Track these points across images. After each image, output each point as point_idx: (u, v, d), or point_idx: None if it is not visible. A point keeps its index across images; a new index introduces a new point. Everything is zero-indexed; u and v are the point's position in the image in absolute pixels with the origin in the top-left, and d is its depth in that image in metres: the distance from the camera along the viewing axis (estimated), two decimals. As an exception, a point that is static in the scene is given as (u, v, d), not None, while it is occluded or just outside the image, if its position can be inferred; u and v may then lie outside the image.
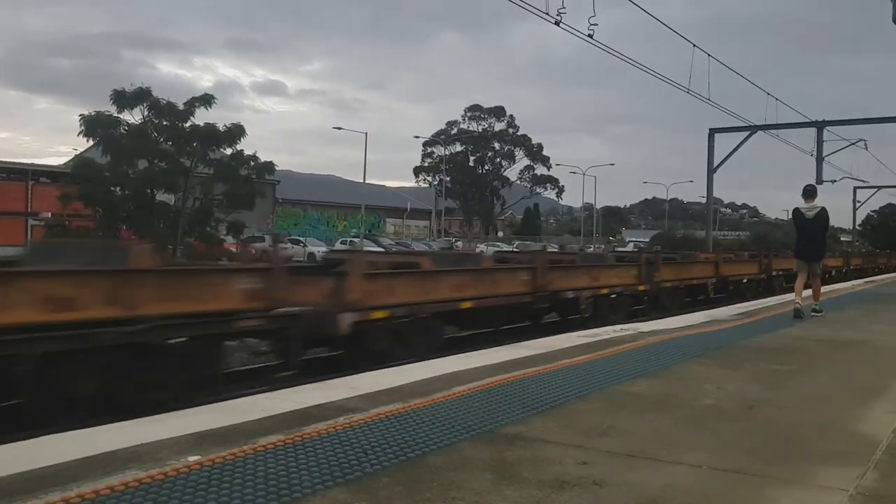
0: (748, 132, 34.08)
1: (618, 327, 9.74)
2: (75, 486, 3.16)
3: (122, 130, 20.83)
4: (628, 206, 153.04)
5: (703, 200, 42.14)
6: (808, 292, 12.16)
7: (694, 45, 23.07)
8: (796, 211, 11.98)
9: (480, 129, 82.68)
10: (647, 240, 45.63)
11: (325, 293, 8.70)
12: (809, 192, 11.81)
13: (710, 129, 34.68)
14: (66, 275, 6.38)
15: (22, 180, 34.54)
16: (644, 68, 21.49)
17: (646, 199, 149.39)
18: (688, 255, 20.85)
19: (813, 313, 11.64)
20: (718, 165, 34.68)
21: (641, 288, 15.63)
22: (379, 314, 9.10)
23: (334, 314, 8.50)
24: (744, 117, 31.45)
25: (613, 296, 14.59)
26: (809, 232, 11.80)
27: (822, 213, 11.72)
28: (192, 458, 3.59)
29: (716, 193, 37.29)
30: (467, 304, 10.57)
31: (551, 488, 3.33)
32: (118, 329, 6.46)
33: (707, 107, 31.39)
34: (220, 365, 7.90)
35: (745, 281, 21.53)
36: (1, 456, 3.64)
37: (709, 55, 24.04)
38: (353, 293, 8.73)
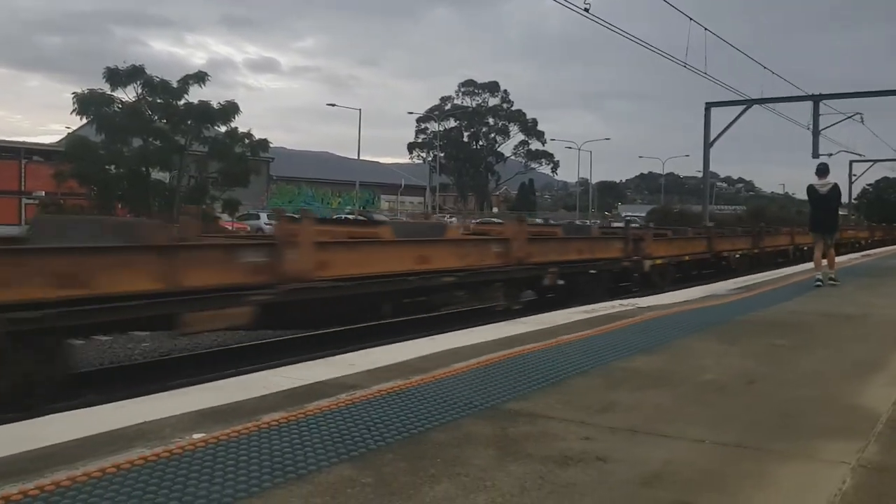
0: (745, 106, 34.02)
1: (616, 303, 9.77)
2: (81, 464, 3.16)
3: (116, 108, 20.70)
4: (624, 181, 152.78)
5: (700, 175, 42.17)
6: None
7: (690, 19, 22.96)
8: (811, 187, 12.72)
9: (474, 104, 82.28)
10: (643, 214, 45.60)
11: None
12: (822, 170, 12.65)
13: (706, 104, 34.60)
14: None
15: (15, 159, 34.31)
16: (641, 42, 21.42)
17: (642, 174, 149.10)
18: (681, 231, 20.53)
19: (830, 282, 12.50)
20: (715, 140, 34.63)
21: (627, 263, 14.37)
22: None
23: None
24: (740, 91, 31.41)
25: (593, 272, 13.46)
26: (823, 207, 12.64)
27: (835, 189, 12.66)
28: (196, 436, 3.60)
29: (712, 168, 37.31)
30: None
31: (555, 464, 3.35)
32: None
33: (704, 81, 31.35)
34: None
35: (737, 256, 21.34)
36: (6, 435, 3.64)
37: (706, 29, 23.95)
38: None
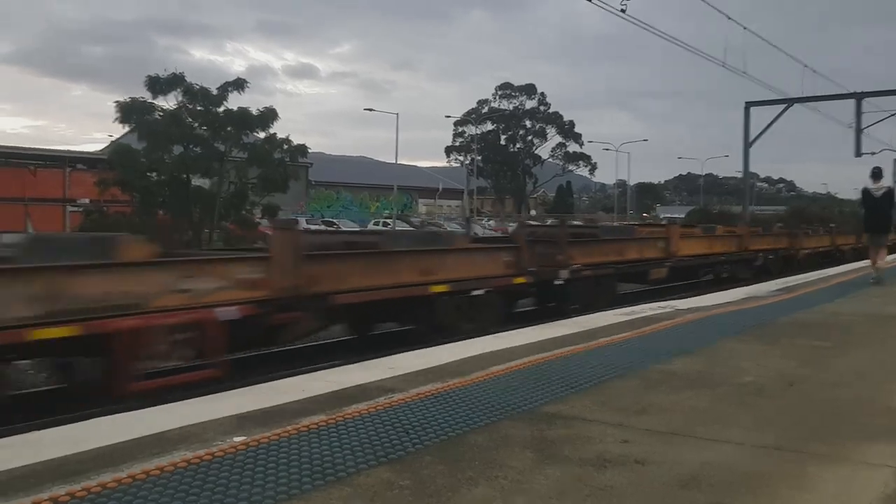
0: (785, 105, 33.43)
1: (655, 305, 9.69)
2: (126, 466, 3.25)
3: (157, 116, 21.06)
4: (662, 182, 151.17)
5: (739, 175, 41.51)
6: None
7: (729, 18, 22.66)
8: (865, 191, 13.33)
9: (511, 107, 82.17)
10: (682, 216, 45.06)
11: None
12: (877, 174, 13.18)
13: (746, 103, 34.06)
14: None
15: (59, 167, 35.12)
16: (678, 42, 21.20)
17: (680, 175, 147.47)
18: (710, 228, 20.13)
19: (873, 281, 12.93)
20: (755, 139, 34.10)
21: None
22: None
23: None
24: (780, 90, 30.87)
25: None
26: (877, 209, 13.19)
27: (889, 193, 13.12)
28: (237, 439, 3.67)
29: (752, 168, 36.65)
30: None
31: (593, 466, 3.35)
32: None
33: (743, 80, 30.90)
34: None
35: (771, 257, 20.75)
36: (53, 438, 3.75)
37: (744, 28, 23.60)
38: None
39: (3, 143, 39.48)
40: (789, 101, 33.07)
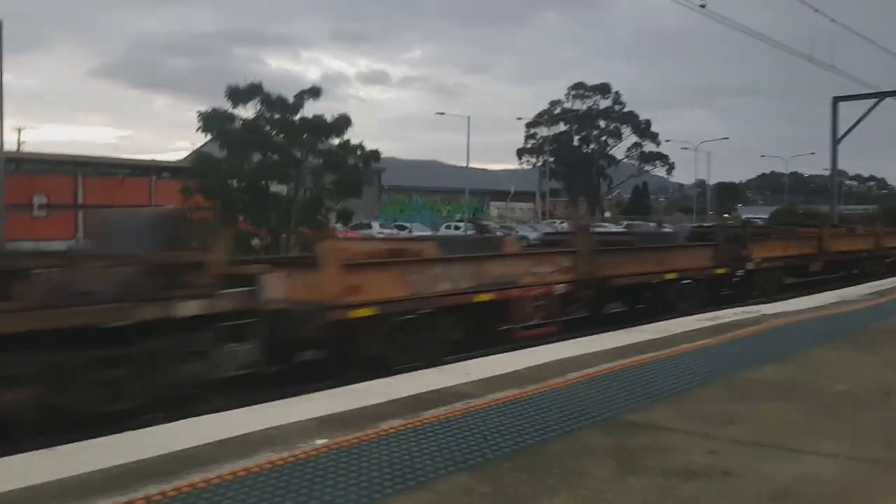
0: (876, 99, 32.06)
1: (739, 309, 9.40)
2: (215, 467, 3.33)
3: (237, 125, 21.64)
4: (744, 181, 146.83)
5: (827, 173, 40.06)
6: None
7: (815, 10, 21.88)
8: None
9: (585, 107, 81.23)
10: (765, 216, 43.67)
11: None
12: None
13: (833, 98, 32.83)
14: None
15: (146, 176, 36.49)
16: (760, 36, 20.57)
17: (763, 174, 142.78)
18: (789, 230, 19.51)
19: None
20: (843, 136, 32.82)
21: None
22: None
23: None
24: (871, 84, 29.62)
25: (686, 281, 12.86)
26: None
27: None
28: (319, 442, 3.72)
29: (840, 165, 35.30)
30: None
31: (678, 477, 3.26)
32: None
33: (830, 74, 29.74)
34: None
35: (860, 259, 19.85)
36: (144, 440, 3.87)
37: (831, 20, 22.74)
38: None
39: (94, 154, 41.18)
40: (881, 96, 31.71)
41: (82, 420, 5.55)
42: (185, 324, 6.32)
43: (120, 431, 4.15)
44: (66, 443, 3.84)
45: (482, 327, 9.53)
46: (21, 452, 3.65)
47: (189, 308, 6.30)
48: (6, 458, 3.62)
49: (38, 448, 3.72)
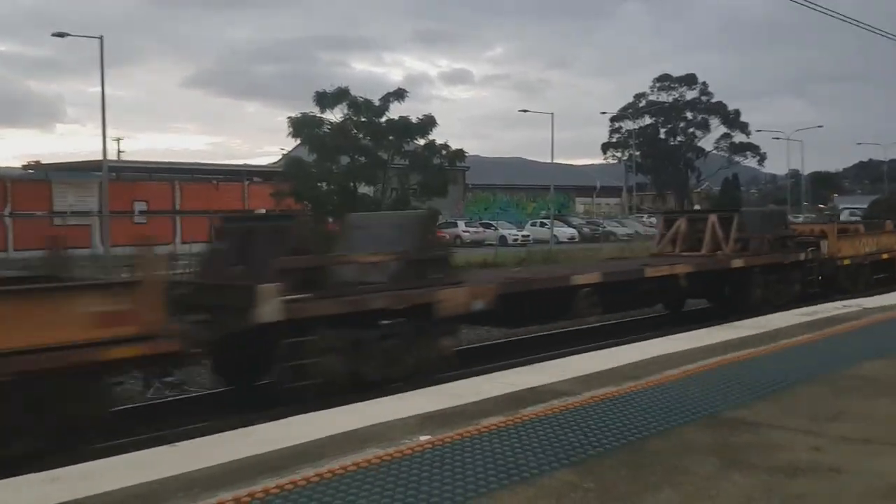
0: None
1: (839, 304, 9.10)
2: (326, 462, 3.50)
3: (326, 129, 22.19)
4: (840, 170, 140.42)
5: (931, 159, 37.92)
6: None
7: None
8: None
9: (670, 99, 79.35)
10: (864, 206, 41.77)
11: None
12: None
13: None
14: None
15: (238, 180, 37.78)
16: (854, 22, 19.73)
17: (861, 163, 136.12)
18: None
19: None
20: (948, 119, 31.04)
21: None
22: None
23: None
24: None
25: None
26: None
27: None
28: (423, 438, 3.85)
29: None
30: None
31: (784, 474, 3.24)
32: None
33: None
34: None
35: None
36: (260, 436, 4.08)
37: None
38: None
39: (189, 160, 42.84)
40: None
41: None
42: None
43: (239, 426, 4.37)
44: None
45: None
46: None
47: (445, 295, 7.84)
48: (134, 454, 3.91)
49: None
